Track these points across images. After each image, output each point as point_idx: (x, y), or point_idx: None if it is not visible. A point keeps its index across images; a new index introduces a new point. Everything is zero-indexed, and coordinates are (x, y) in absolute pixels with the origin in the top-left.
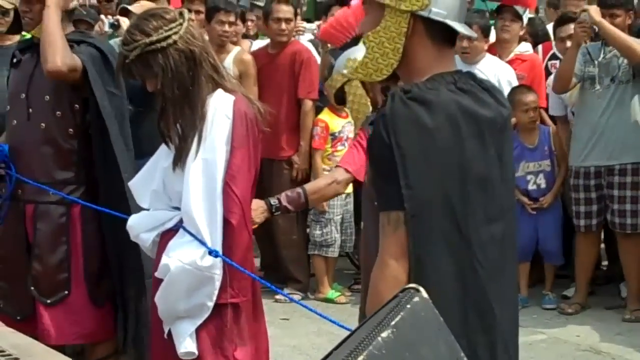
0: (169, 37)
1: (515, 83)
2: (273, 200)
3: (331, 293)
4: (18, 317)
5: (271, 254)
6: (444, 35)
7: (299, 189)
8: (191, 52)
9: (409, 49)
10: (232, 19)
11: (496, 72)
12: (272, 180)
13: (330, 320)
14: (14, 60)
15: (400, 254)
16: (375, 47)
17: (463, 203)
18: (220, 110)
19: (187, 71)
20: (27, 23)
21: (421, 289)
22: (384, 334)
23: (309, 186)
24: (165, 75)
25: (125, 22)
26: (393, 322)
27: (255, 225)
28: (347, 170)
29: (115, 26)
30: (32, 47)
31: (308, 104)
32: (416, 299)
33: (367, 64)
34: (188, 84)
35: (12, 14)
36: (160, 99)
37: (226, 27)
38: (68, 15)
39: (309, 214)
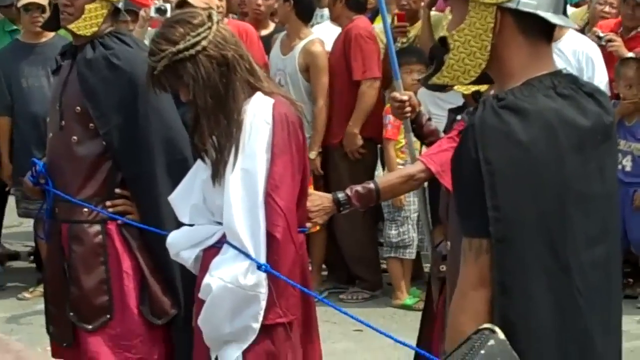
0: (197, 43)
1: (600, 62)
2: (341, 195)
3: (409, 299)
4: (64, 344)
5: (335, 251)
6: (539, 29)
7: (370, 184)
8: (223, 57)
9: (499, 47)
10: None
11: (576, 48)
12: (328, 167)
13: (368, 326)
14: (57, 65)
15: (480, 284)
16: (461, 47)
17: (561, 225)
18: (259, 115)
19: (220, 78)
20: (66, 18)
21: (497, 329)
22: None
23: (381, 182)
24: (196, 84)
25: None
26: None
27: (317, 227)
28: (427, 168)
29: (162, 11)
30: (68, 52)
31: (364, 85)
32: (491, 342)
33: (453, 65)
34: (222, 91)
35: (49, 10)
36: (192, 110)
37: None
38: (113, 13)
39: (383, 212)
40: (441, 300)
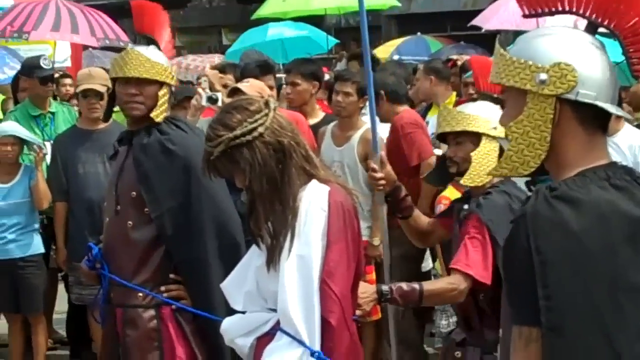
0: (254, 129)
1: None
2: (385, 288)
3: None
4: None
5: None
6: (596, 120)
7: (415, 285)
8: (279, 143)
9: (556, 138)
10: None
11: (632, 142)
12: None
13: None
14: (114, 150)
15: None
16: (520, 138)
17: (613, 316)
18: (314, 203)
19: (276, 164)
20: (136, 107)
21: None
22: None
23: (427, 286)
24: (252, 170)
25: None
26: None
27: (362, 313)
28: (467, 274)
29: (214, 100)
30: (124, 137)
31: (423, 165)
32: None
33: (512, 157)
34: (277, 177)
35: (106, 96)
36: (249, 196)
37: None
38: (170, 99)
39: None
40: None
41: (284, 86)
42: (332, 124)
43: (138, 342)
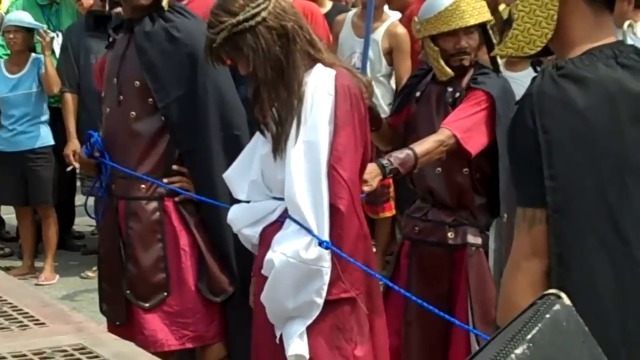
0: (257, 14)
1: None
2: (385, 162)
3: None
4: (117, 323)
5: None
6: None
7: (407, 150)
8: (283, 27)
9: (562, 16)
10: None
11: None
12: None
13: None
14: (109, 39)
15: (534, 254)
16: (526, 17)
17: (619, 196)
18: (320, 87)
19: (280, 49)
20: None
21: (562, 295)
22: (518, 351)
23: (418, 148)
24: (256, 56)
25: None
26: (529, 336)
27: (371, 189)
28: (454, 134)
29: None
30: (124, 25)
31: None
32: (557, 306)
33: (518, 36)
34: (282, 63)
35: None
36: (253, 83)
37: None
38: None
39: None
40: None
41: None
42: (351, 12)
43: (141, 235)
